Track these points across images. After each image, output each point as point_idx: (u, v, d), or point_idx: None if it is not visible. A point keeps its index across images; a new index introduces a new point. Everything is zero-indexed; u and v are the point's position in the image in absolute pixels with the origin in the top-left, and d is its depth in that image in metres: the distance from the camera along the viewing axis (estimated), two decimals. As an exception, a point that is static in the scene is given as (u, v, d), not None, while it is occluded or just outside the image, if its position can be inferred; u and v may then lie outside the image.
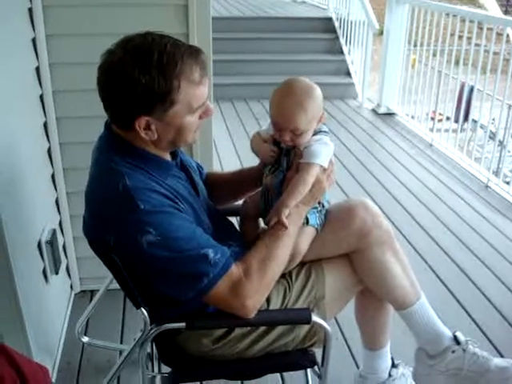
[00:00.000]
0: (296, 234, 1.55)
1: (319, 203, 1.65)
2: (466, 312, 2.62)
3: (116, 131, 1.43)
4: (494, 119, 5.03)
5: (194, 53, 1.37)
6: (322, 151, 1.56)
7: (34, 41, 2.18)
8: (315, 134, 1.59)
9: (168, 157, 1.52)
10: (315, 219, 1.64)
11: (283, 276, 1.61)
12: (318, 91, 1.56)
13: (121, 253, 1.38)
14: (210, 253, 1.38)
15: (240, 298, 1.41)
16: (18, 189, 1.90)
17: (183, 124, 1.39)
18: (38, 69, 2.22)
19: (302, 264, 1.66)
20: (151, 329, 1.48)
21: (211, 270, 1.37)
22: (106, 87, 1.35)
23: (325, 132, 1.61)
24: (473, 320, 2.56)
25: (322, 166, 1.56)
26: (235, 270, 1.42)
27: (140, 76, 1.28)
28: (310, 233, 1.63)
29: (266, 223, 1.69)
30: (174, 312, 1.48)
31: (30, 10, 2.13)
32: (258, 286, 1.44)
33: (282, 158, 1.61)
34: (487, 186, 4.11)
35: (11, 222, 1.74)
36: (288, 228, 1.50)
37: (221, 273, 1.39)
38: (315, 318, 1.51)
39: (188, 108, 1.37)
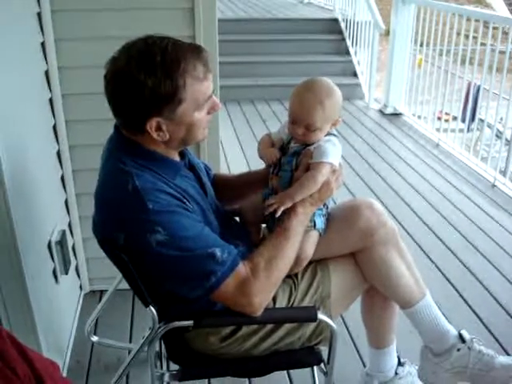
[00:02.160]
0: (302, 233, 1.57)
1: (324, 205, 1.67)
2: (473, 310, 2.62)
3: (126, 133, 1.45)
4: (501, 118, 5.03)
5: (196, 50, 1.40)
6: (333, 151, 1.58)
7: (43, 45, 2.21)
8: (325, 135, 1.61)
9: (177, 157, 1.54)
10: (321, 223, 1.66)
11: (289, 275, 1.62)
12: (339, 94, 1.60)
13: (130, 252, 1.40)
14: (218, 252, 1.40)
15: (247, 296, 1.43)
16: (28, 190, 1.93)
17: (193, 121, 1.41)
18: (47, 72, 2.25)
19: (307, 263, 1.68)
20: (159, 327, 1.50)
21: (219, 268, 1.39)
22: (114, 94, 1.38)
23: (334, 134, 1.64)
24: (479, 318, 2.56)
25: (332, 166, 1.57)
26: (242, 268, 1.44)
27: (146, 79, 1.31)
28: (315, 237, 1.65)
29: (268, 228, 1.71)
30: (182, 310, 1.51)
31: (39, 15, 2.16)
32: (264, 285, 1.46)
33: (288, 159, 1.62)
34: (494, 186, 4.11)
35: (22, 223, 1.77)
36: (295, 228, 1.53)
37: (228, 271, 1.41)
38: (321, 315, 1.53)
39: (195, 104, 1.39)
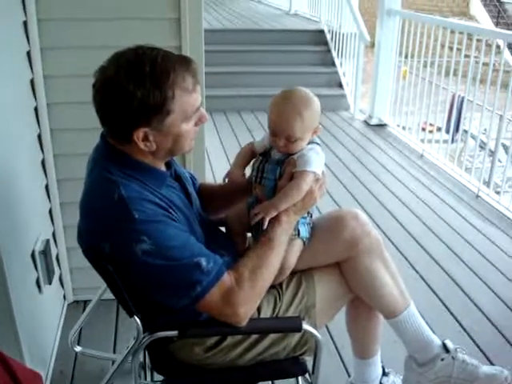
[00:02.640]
0: (286, 242, 1.57)
1: (308, 213, 1.67)
2: (456, 320, 2.64)
3: (112, 142, 1.45)
4: (485, 129, 5.07)
5: (185, 62, 1.40)
6: (316, 160, 1.59)
7: (28, 53, 2.20)
8: (307, 143, 1.62)
9: (163, 167, 1.54)
10: (305, 232, 1.67)
11: (273, 286, 1.62)
12: (317, 103, 1.60)
13: (115, 261, 1.39)
14: (203, 261, 1.40)
15: (232, 306, 1.43)
16: (12, 199, 1.92)
17: (180, 132, 1.42)
18: (32, 81, 2.24)
19: (292, 273, 1.68)
20: (144, 337, 1.49)
21: (204, 278, 1.39)
22: (102, 104, 1.38)
23: (317, 143, 1.64)
24: (463, 328, 2.58)
25: (316, 174, 1.58)
26: (227, 278, 1.44)
27: (135, 89, 1.31)
28: (298, 246, 1.65)
29: (254, 237, 1.71)
30: (166, 320, 1.50)
31: (25, 23, 2.16)
32: (249, 295, 1.46)
33: (272, 167, 1.63)
34: (478, 196, 4.15)
35: (5, 232, 1.76)
36: (279, 238, 1.53)
37: (213, 281, 1.41)
38: (306, 326, 1.53)
39: (184, 116, 1.40)
